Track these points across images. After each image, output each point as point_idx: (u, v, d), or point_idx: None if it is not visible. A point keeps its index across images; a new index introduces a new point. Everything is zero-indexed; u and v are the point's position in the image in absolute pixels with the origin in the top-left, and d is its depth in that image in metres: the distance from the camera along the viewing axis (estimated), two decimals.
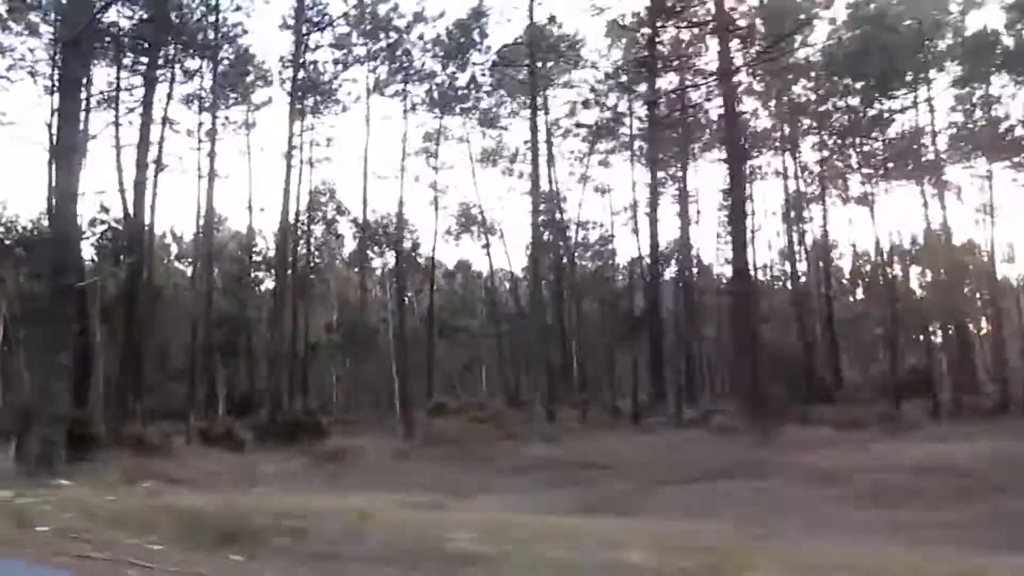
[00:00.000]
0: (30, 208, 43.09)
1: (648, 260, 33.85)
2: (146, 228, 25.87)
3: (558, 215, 36.09)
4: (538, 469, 10.23)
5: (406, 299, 41.52)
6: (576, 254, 38.83)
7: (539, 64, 28.30)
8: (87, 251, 35.09)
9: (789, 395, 22.59)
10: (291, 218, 36.54)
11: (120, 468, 12.05)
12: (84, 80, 15.75)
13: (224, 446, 20.51)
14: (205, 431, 21.31)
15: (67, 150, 12.53)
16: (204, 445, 20.92)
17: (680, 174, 34.75)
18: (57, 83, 24.63)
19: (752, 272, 26.45)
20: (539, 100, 35.12)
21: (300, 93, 26.38)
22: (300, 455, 17.00)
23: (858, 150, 33.47)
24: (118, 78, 28.19)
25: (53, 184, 23.20)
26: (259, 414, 24.86)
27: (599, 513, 6.59)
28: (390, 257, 42.71)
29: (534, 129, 26.62)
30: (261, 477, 10.74)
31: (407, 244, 40.50)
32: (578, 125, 32.55)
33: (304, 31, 25.49)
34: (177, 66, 29.29)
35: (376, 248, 40.02)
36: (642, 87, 31.78)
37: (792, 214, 37.12)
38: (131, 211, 24.85)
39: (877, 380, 34.39)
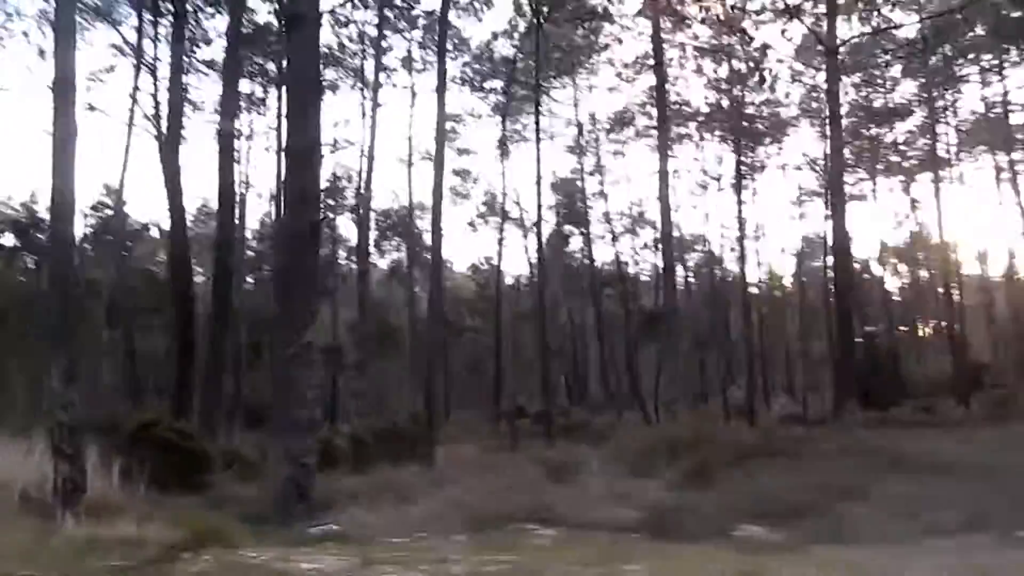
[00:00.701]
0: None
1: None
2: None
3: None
4: None
5: (420, 294, 38.78)
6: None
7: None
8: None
9: None
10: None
11: (363, 504, 9.19)
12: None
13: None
14: None
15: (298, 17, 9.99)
16: None
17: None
18: None
19: None
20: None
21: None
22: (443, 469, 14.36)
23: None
24: (154, 34, 24.74)
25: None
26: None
27: None
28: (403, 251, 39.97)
29: (660, 87, 22.77)
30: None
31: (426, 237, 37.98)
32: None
33: None
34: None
35: (395, 240, 37.24)
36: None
37: None
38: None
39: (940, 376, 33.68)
